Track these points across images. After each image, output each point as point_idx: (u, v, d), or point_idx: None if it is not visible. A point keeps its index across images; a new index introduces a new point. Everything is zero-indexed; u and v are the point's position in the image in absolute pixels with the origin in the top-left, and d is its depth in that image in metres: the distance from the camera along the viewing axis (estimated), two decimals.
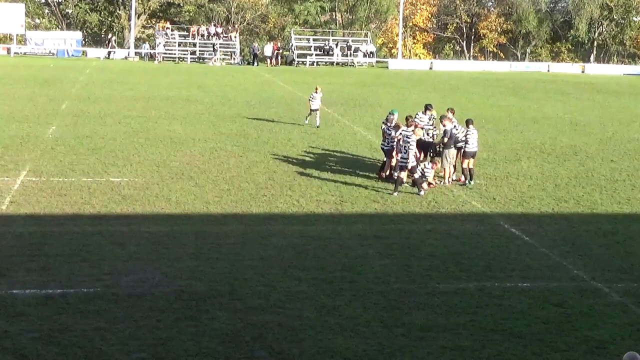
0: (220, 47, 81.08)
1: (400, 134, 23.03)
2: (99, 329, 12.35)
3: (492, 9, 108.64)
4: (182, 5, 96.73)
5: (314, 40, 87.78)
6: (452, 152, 24.08)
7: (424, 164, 23.41)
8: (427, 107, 26.67)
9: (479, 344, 12.33)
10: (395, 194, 22.27)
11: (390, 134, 24.03)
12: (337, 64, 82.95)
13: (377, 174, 24.73)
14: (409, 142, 22.51)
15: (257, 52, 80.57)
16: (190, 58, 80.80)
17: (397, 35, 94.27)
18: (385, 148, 24.46)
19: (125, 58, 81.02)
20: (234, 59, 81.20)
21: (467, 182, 24.07)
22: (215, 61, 78.22)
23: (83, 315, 12.90)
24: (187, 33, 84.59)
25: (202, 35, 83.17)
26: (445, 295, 14.44)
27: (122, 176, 23.58)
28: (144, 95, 45.39)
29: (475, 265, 16.31)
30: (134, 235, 17.62)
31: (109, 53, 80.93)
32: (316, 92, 35.56)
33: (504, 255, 17.11)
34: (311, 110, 35.59)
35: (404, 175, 22.80)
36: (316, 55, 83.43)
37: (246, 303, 13.70)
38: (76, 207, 19.89)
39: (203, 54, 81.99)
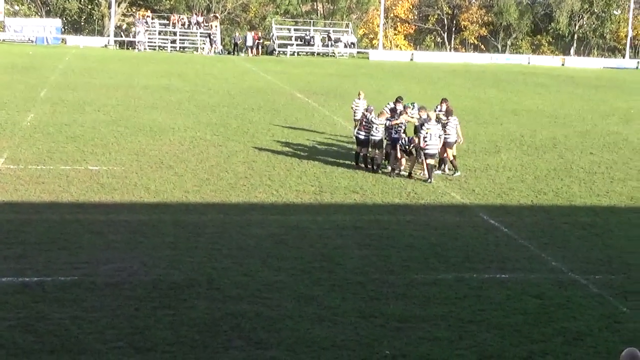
0: (212, 38, 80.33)
1: (423, 124, 23.31)
2: (76, 318, 12.27)
3: (473, 1, 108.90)
4: None
5: (295, 30, 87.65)
6: None
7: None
8: (398, 100, 26.62)
9: (457, 335, 12.35)
10: (431, 180, 23.02)
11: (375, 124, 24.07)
12: (318, 54, 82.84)
13: (355, 163, 24.77)
14: (434, 128, 23.20)
15: (239, 42, 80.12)
16: (171, 47, 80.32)
17: (378, 26, 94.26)
18: (360, 137, 24.44)
19: (105, 46, 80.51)
20: (215, 48, 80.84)
21: (444, 171, 24.23)
22: (209, 51, 77.72)
23: (60, 303, 12.82)
24: (168, 22, 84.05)
25: (183, 24, 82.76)
26: (424, 286, 14.44)
27: (100, 165, 23.45)
28: (124, 84, 45.13)
29: (454, 256, 16.33)
30: (112, 223, 17.52)
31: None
32: (359, 99, 29.82)
33: (483, 247, 17.15)
34: (355, 120, 29.21)
35: (433, 161, 23.41)
36: (297, 45, 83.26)
37: (224, 292, 13.66)
38: (54, 195, 19.76)
39: (184, 43, 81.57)
